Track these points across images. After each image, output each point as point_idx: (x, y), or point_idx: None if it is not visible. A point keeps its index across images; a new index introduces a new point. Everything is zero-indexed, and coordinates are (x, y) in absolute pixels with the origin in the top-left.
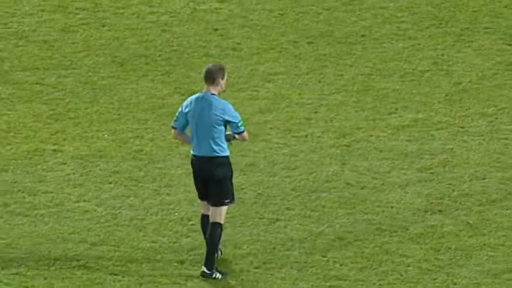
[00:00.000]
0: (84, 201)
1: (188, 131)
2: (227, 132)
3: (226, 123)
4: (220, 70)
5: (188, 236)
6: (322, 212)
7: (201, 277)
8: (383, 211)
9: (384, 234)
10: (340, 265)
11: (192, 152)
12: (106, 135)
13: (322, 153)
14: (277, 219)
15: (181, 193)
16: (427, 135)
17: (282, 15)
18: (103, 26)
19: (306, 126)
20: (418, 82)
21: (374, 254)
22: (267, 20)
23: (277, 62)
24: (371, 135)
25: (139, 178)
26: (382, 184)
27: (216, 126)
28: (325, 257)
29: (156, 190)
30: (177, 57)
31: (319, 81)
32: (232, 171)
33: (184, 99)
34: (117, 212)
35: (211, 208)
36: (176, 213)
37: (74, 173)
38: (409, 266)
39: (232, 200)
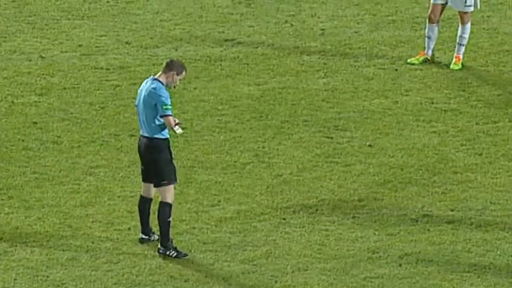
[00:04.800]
0: None
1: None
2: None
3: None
4: (180, 67)
5: None
6: None
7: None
8: None
9: None
10: None
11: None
12: None
13: (145, 246)
14: None
15: None
16: (249, 227)
17: (103, 108)
18: None
19: (128, 219)
20: (240, 174)
21: None
22: (87, 113)
23: (98, 155)
24: (194, 228)
25: None
26: (206, 276)
27: (150, 108)
28: None
29: None
30: None
31: None
32: (169, 154)
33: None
34: None
35: (156, 189)
36: None
37: None
38: None
39: (170, 181)
